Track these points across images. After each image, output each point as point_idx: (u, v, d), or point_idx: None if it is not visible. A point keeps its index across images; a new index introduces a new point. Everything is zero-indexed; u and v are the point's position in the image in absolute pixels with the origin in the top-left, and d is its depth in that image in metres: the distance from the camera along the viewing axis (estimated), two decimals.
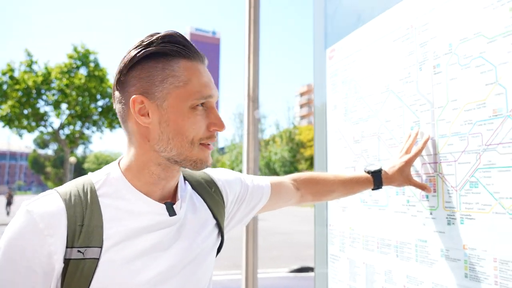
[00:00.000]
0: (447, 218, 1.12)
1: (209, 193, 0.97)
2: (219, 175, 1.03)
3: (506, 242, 0.95)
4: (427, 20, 1.21)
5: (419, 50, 1.24)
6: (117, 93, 0.83)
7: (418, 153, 1.20)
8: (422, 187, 1.19)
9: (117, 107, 0.84)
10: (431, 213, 1.17)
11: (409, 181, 1.21)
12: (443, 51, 1.15)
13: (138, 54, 0.79)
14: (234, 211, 1.04)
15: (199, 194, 0.95)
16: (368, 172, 1.23)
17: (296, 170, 32.75)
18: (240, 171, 2.72)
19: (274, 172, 35.12)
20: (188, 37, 0.83)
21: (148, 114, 0.79)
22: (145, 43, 0.79)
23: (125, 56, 0.81)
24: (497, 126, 0.98)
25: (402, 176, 1.20)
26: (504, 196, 0.96)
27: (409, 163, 1.20)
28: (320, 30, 1.84)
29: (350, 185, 1.21)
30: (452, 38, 1.12)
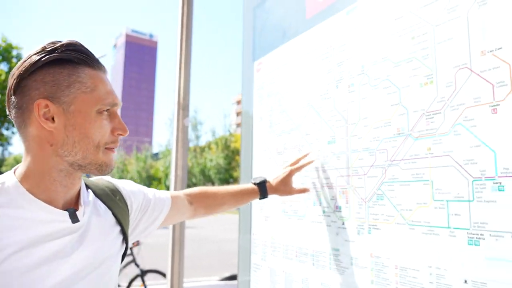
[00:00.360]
0: (357, 228, 1.19)
1: (114, 200, 0.98)
2: (123, 184, 1.06)
3: (405, 251, 1.04)
4: (344, 41, 1.29)
5: (337, 69, 1.31)
6: (13, 98, 0.81)
7: (300, 168, 1.38)
8: (302, 191, 1.37)
9: (13, 112, 0.82)
10: (343, 223, 1.24)
11: (291, 191, 1.37)
12: (356, 71, 1.23)
13: (42, 59, 0.79)
14: (138, 220, 1.07)
15: (103, 202, 0.96)
16: (254, 183, 1.36)
17: (231, 177, 32.84)
18: None
19: (209, 179, 34.91)
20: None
21: (53, 118, 0.79)
22: (48, 49, 0.80)
23: (25, 61, 0.80)
24: (400, 144, 1.07)
25: (284, 186, 1.36)
26: (404, 208, 1.05)
27: (290, 174, 1.37)
28: (248, 43, 1.88)
29: (239, 196, 1.33)
30: (364, 60, 1.21)
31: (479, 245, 0.87)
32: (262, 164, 1.68)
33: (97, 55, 0.87)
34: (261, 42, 1.80)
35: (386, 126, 1.11)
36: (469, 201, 0.89)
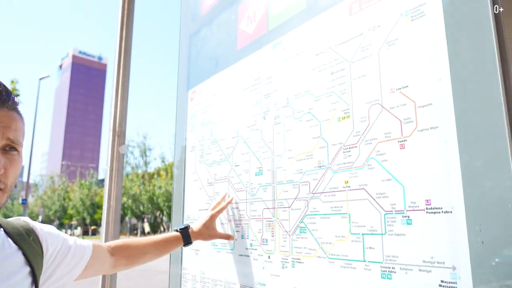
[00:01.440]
0: (281, 261, 1.17)
1: (26, 240, 0.93)
2: (41, 226, 1.01)
3: (325, 284, 1.03)
4: (271, 73, 1.31)
5: (264, 101, 1.32)
6: None
7: (221, 211, 1.40)
8: (226, 237, 1.38)
9: None
10: (269, 257, 1.22)
11: (214, 234, 1.38)
12: (282, 104, 1.24)
13: None
14: (55, 265, 1.01)
15: (14, 241, 0.91)
16: (177, 230, 1.35)
17: None
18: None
19: (158, 207, 33.86)
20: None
21: None
22: None
23: None
24: (321, 176, 1.08)
25: (208, 230, 1.37)
26: (325, 241, 1.05)
27: (212, 218, 1.38)
28: (184, 70, 1.87)
29: (162, 245, 1.30)
30: (289, 93, 1.22)
31: (391, 278, 0.88)
32: (193, 195, 1.64)
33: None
34: (196, 71, 1.78)
35: (308, 159, 1.12)
36: (381, 234, 0.90)
